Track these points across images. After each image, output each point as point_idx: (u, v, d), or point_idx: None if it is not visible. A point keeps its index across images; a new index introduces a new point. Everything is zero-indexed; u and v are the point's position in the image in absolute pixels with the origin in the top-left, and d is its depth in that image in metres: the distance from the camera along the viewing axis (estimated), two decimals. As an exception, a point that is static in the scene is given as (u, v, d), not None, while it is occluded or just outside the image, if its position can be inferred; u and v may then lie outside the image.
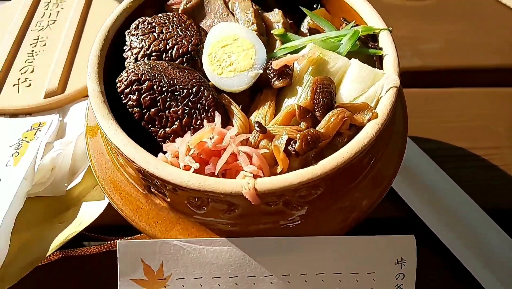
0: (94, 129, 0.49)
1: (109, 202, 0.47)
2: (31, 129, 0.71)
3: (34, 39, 0.84)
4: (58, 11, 0.90)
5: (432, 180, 0.63)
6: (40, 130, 0.70)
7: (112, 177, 0.44)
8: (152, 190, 0.40)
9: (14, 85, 0.75)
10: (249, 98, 0.44)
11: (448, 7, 0.91)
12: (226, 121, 0.41)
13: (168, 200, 0.39)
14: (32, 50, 0.82)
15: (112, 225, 0.62)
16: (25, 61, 0.79)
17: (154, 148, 0.41)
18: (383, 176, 0.42)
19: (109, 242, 0.59)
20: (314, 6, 0.54)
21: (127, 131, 0.40)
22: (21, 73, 0.78)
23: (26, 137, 0.69)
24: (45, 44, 0.83)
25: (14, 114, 0.73)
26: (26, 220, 0.60)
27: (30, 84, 0.76)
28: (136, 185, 0.42)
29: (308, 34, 0.51)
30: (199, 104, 0.40)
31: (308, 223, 0.39)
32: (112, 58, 0.46)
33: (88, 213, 0.62)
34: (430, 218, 0.58)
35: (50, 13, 0.90)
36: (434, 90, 0.78)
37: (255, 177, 0.35)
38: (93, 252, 0.60)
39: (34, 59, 0.80)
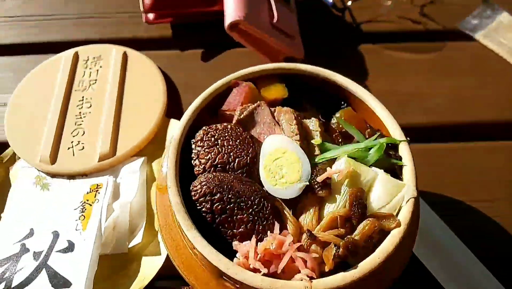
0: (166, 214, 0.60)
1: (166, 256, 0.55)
2: (90, 191, 0.81)
3: (79, 100, 0.93)
4: (98, 70, 0.98)
5: (436, 231, 0.75)
6: (99, 193, 0.81)
7: (187, 261, 0.55)
8: (224, 277, 0.52)
9: (68, 148, 0.85)
10: (296, 199, 0.55)
11: (452, 61, 1.01)
12: (281, 221, 0.53)
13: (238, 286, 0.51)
14: (80, 112, 0.91)
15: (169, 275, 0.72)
16: (75, 124, 0.89)
17: (223, 241, 0.52)
18: (400, 263, 0.53)
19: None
20: (342, 102, 0.64)
21: (202, 227, 0.51)
22: (73, 136, 0.87)
23: (87, 200, 0.80)
24: (90, 106, 0.92)
25: (71, 176, 0.83)
26: (96, 276, 0.72)
27: (83, 148, 0.85)
28: (208, 271, 0.53)
29: (336, 131, 0.61)
30: (260, 213, 0.51)
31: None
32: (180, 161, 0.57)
33: (149, 267, 0.74)
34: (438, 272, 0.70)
35: (90, 72, 0.98)
36: (437, 145, 0.88)
37: (310, 277, 0.47)
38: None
39: (83, 121, 0.90)
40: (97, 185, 0.82)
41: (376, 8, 1.10)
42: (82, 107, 0.92)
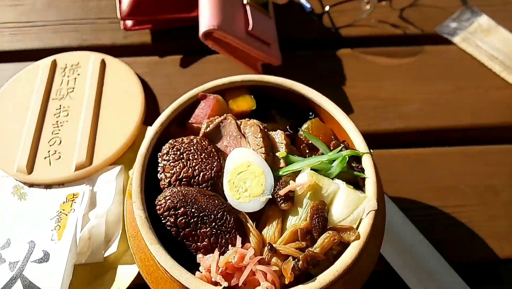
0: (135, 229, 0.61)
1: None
2: (66, 201, 0.82)
3: (57, 109, 0.93)
4: (75, 78, 0.98)
5: (408, 237, 0.76)
6: (75, 202, 0.81)
7: (154, 273, 0.56)
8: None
9: (45, 158, 0.85)
10: (259, 212, 0.56)
11: (430, 66, 1.01)
12: (243, 234, 0.53)
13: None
14: (57, 121, 0.91)
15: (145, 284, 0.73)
16: (52, 133, 0.89)
17: (188, 255, 0.53)
18: (363, 273, 0.54)
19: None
20: (310, 113, 0.65)
21: (166, 240, 0.52)
22: (50, 145, 0.87)
23: (63, 210, 0.80)
24: (67, 114, 0.92)
25: (48, 186, 0.84)
26: (71, 286, 0.72)
27: (60, 157, 0.86)
28: (176, 285, 0.54)
29: (304, 142, 0.62)
30: (223, 227, 0.52)
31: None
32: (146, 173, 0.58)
33: (125, 276, 0.74)
34: (405, 272, 0.72)
35: (68, 80, 0.98)
36: (413, 150, 0.89)
37: (270, 290, 0.48)
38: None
39: (60, 130, 0.90)
40: (74, 194, 0.82)
41: (355, 12, 1.10)
42: (59, 116, 0.92)
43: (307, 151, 0.61)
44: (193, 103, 0.63)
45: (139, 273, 0.72)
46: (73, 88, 0.96)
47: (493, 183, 0.84)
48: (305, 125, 0.62)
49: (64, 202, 0.81)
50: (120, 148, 0.86)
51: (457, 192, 0.84)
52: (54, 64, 1.00)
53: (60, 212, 0.79)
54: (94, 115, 0.91)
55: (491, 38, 1.06)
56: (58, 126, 0.90)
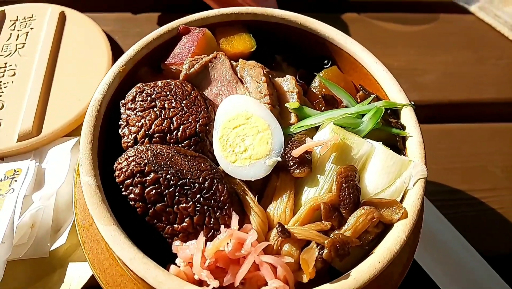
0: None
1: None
2: (5, 179, 0.64)
3: (1, 67, 0.76)
4: (28, 32, 0.81)
5: (443, 237, 0.62)
6: (15, 180, 0.64)
7: (111, 271, 0.39)
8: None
9: (-19, 125, 0.67)
10: (263, 180, 0.40)
11: (446, 35, 0.90)
12: (241, 211, 0.38)
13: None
14: (0, 81, 0.73)
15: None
16: (-7, 95, 0.71)
17: (159, 242, 0.37)
18: (396, 270, 0.39)
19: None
20: (326, 62, 0.50)
21: (128, 221, 0.36)
22: (-12, 110, 0.70)
23: (0, 190, 0.62)
24: (14, 74, 0.75)
25: (-18, 160, 0.66)
26: (7, 287, 0.54)
27: (0, 124, 0.68)
28: (141, 286, 0.37)
29: (319, 96, 0.47)
30: (212, 201, 0.36)
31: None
32: (104, 129, 0.41)
33: (77, 276, 0.57)
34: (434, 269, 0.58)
35: (18, 35, 0.81)
36: (431, 126, 0.77)
37: (281, 292, 0.32)
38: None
39: (3, 92, 0.73)
40: (15, 170, 0.64)
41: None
42: (3, 75, 0.75)
43: (323, 108, 0.45)
44: (171, 41, 0.46)
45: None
46: (24, 44, 0.79)
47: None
48: (320, 74, 0.47)
49: (1, 180, 0.63)
50: (77, 116, 0.69)
51: (486, 174, 0.71)
52: (2, 16, 0.82)
53: (-6, 193, 0.61)
54: (47, 77, 0.74)
55: (510, 8, 0.95)
56: (1, 88, 0.72)
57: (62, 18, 0.82)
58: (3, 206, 0.60)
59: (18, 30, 0.81)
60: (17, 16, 0.83)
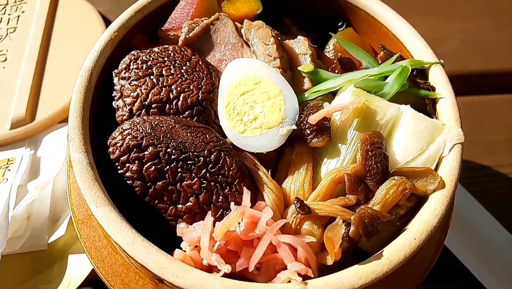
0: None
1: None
2: (-2, 169, 0.60)
3: (-8, 52, 0.72)
4: (19, 16, 0.77)
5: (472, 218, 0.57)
6: (9, 170, 0.60)
7: (110, 260, 0.35)
8: (165, 282, 0.32)
9: (-27, 112, 0.64)
10: (276, 153, 0.36)
11: (463, 1, 0.84)
12: (253, 187, 0.33)
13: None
14: (-9, 67, 0.70)
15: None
16: (-17, 82, 0.67)
17: (161, 224, 0.33)
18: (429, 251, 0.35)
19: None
20: (340, 24, 0.45)
21: (125, 202, 0.32)
22: (-21, 97, 0.66)
23: (-8, 180, 0.59)
24: (5, 59, 0.72)
25: (-25, 149, 0.62)
26: (3, 282, 0.51)
27: (-8, 111, 0.64)
28: (143, 274, 0.33)
29: (335, 61, 0.42)
30: (220, 176, 0.32)
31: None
32: (96, 102, 0.37)
33: (77, 270, 0.54)
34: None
35: (9, 19, 0.77)
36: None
37: (303, 276, 0.28)
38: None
39: (-6, 78, 0.68)
40: (8, 159, 0.61)
41: None
42: (-6, 61, 0.70)
43: (339, 73, 0.41)
44: (168, 4, 0.42)
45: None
46: (15, 28, 0.76)
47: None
48: (336, 35, 0.42)
49: (-6, 170, 0.59)
50: (74, 100, 0.64)
51: (511, 147, 0.66)
52: (-9, -1, 0.77)
53: (-13, 183, 0.58)
54: (40, 61, 0.71)
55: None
56: (-9, 74, 0.68)
57: (55, 0, 0.78)
58: (-4, 197, 0.56)
59: (9, 14, 0.77)
60: (8, 0, 0.79)
